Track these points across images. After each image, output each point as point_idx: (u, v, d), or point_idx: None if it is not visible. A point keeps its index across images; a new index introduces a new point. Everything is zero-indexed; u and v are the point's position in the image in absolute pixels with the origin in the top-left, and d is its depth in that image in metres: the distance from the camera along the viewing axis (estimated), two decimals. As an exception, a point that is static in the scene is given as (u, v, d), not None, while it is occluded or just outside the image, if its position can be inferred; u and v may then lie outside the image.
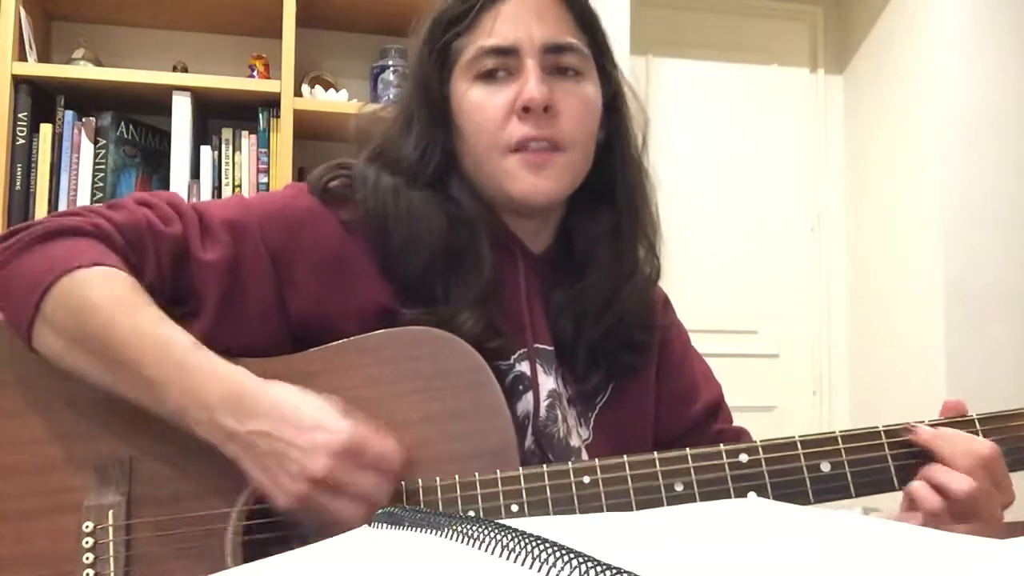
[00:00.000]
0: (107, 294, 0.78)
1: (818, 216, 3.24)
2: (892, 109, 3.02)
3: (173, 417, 0.76)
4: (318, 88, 2.37)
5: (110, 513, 0.78)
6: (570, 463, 0.80)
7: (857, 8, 3.21)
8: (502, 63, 0.89)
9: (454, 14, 0.91)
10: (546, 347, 0.93)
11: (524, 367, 0.91)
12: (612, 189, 0.96)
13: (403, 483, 0.78)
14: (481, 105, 0.90)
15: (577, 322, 0.94)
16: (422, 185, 0.90)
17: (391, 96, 2.33)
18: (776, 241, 3.20)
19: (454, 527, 0.40)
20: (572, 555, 0.34)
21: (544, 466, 0.80)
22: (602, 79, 0.94)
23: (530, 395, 0.90)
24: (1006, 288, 2.80)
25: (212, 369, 0.76)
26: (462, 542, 0.39)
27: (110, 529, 0.78)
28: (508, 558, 0.36)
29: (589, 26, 0.93)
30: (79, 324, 0.77)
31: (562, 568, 0.33)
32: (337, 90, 2.39)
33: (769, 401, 3.10)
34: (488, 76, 0.90)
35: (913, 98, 2.91)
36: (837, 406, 3.19)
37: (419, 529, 0.42)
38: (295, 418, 0.74)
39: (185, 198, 2.30)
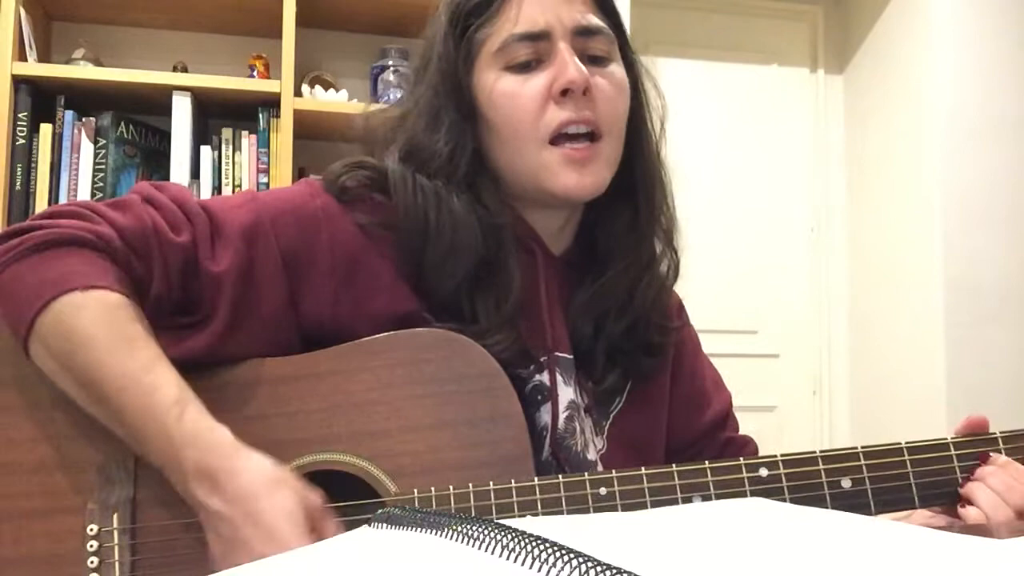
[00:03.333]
0: (100, 325, 0.74)
1: (818, 216, 3.24)
2: (892, 109, 3.02)
3: (157, 468, 0.75)
4: (318, 88, 2.37)
5: (115, 516, 0.77)
6: (586, 473, 0.78)
7: (857, 8, 3.21)
8: (534, 49, 0.86)
9: (475, 2, 0.88)
10: (565, 355, 0.91)
11: (544, 377, 0.89)
12: (632, 180, 0.93)
13: (416, 490, 0.77)
14: (514, 94, 0.86)
15: (598, 321, 0.92)
16: (457, 187, 0.87)
17: (391, 96, 2.33)
18: (776, 241, 3.19)
19: (454, 527, 0.40)
20: (572, 555, 0.33)
21: (560, 476, 0.78)
22: (624, 65, 0.92)
23: (549, 406, 0.88)
24: (1006, 288, 2.80)
25: (193, 434, 0.73)
26: (462, 542, 0.39)
27: (115, 532, 0.77)
28: (508, 558, 0.36)
29: (609, 9, 0.91)
30: (69, 353, 0.75)
31: (562, 568, 0.33)
32: (337, 90, 2.39)
33: (769, 401, 3.10)
34: (520, 66, 0.86)
35: (913, 98, 2.91)
36: (837, 406, 3.19)
37: (419, 529, 0.42)
38: (255, 518, 0.70)
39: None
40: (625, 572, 0.32)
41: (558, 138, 0.86)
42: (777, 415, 3.11)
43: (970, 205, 2.79)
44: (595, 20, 0.88)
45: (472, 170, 0.88)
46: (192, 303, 0.82)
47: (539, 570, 0.34)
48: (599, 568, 0.32)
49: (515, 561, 0.35)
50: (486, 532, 0.38)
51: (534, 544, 0.35)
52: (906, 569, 0.35)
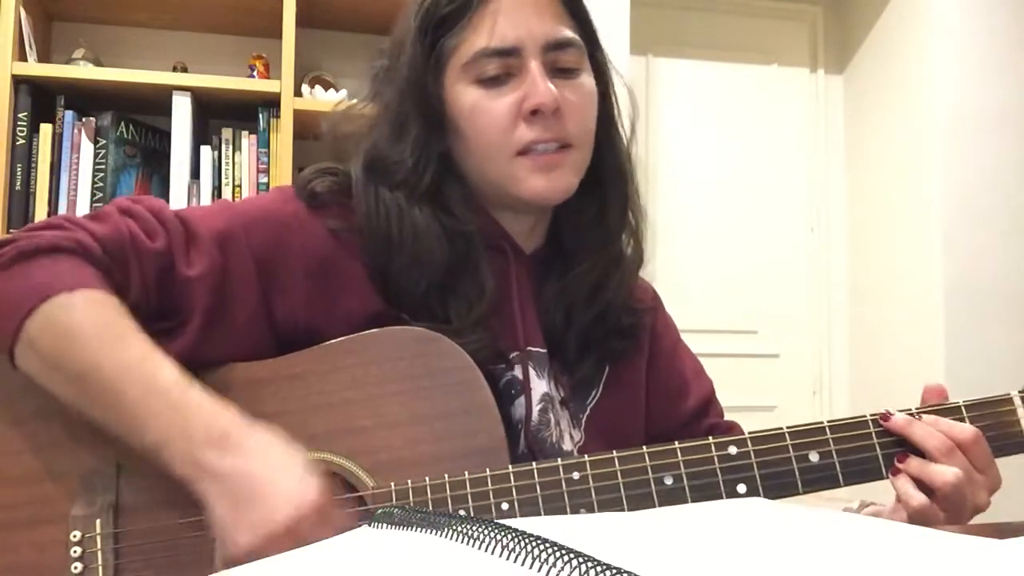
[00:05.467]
0: (91, 321, 0.76)
1: (818, 216, 3.24)
2: (892, 109, 3.02)
3: (147, 451, 0.75)
4: (318, 88, 2.37)
5: (97, 522, 0.77)
6: (559, 460, 0.80)
7: (857, 8, 3.21)
8: (504, 65, 0.86)
9: (445, 12, 0.88)
10: (539, 350, 0.92)
11: (517, 371, 0.90)
12: (601, 176, 0.94)
13: (392, 484, 0.78)
14: (485, 109, 0.87)
15: (567, 312, 0.94)
16: (420, 197, 0.88)
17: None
18: (776, 241, 3.19)
19: (454, 527, 0.40)
20: (572, 555, 0.34)
21: (534, 463, 0.79)
22: (593, 68, 0.93)
23: (523, 400, 0.90)
24: (1006, 288, 2.80)
25: (199, 405, 0.74)
26: (462, 542, 0.39)
27: (98, 538, 0.77)
28: (508, 558, 0.36)
29: (579, 15, 0.92)
30: (62, 351, 0.75)
31: (562, 568, 0.33)
32: (337, 90, 2.39)
33: (769, 401, 3.10)
34: (490, 80, 0.87)
35: (913, 98, 2.91)
36: (837, 406, 3.19)
37: (419, 529, 0.42)
38: (280, 464, 0.73)
39: (185, 198, 2.27)
40: (625, 572, 0.32)
41: (526, 151, 0.87)
42: (777, 415, 3.11)
43: (970, 205, 2.79)
44: (566, 33, 0.88)
45: (438, 177, 0.89)
46: (168, 309, 0.83)
47: (539, 570, 0.34)
48: (599, 568, 0.32)
49: (515, 561, 0.35)
50: (486, 532, 0.38)
51: (534, 544, 0.35)
52: (906, 569, 0.35)
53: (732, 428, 1.05)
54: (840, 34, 3.29)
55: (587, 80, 0.91)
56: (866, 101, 3.16)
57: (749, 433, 0.81)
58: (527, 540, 0.36)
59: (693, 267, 2.96)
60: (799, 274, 3.21)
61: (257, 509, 0.71)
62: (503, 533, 0.37)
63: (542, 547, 0.35)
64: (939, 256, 2.76)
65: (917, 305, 2.84)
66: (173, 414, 0.74)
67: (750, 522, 0.46)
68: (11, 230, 2.04)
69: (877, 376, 3.05)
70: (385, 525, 0.45)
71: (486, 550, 0.37)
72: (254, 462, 0.72)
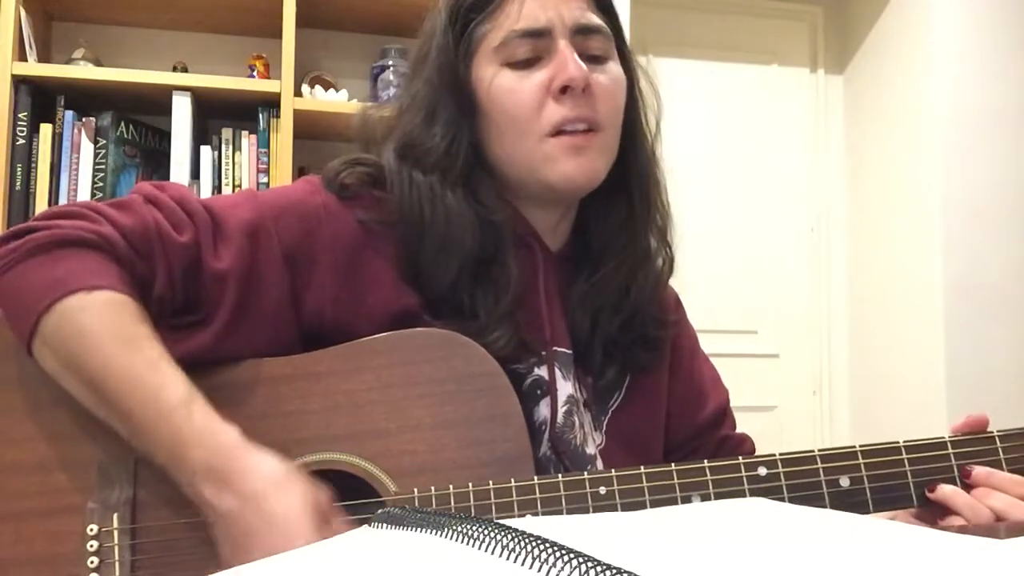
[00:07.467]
0: (104, 325, 0.74)
1: (818, 216, 3.24)
2: (892, 109, 3.01)
3: (161, 468, 0.75)
4: (318, 88, 2.37)
5: (115, 516, 0.77)
6: (586, 473, 0.79)
7: (857, 8, 3.21)
8: (534, 47, 0.86)
9: None
10: (564, 350, 0.92)
11: (543, 371, 0.89)
12: (626, 177, 0.94)
13: (416, 490, 0.77)
14: (514, 90, 0.87)
15: (595, 315, 0.93)
16: (453, 182, 0.87)
17: (391, 96, 2.33)
18: (776, 241, 3.19)
19: (454, 527, 0.40)
20: (572, 555, 0.33)
21: (559, 475, 0.78)
22: (621, 62, 0.93)
23: (548, 400, 0.89)
24: (1006, 288, 2.80)
25: (200, 432, 0.73)
26: (462, 542, 0.39)
27: (115, 532, 0.77)
28: (508, 558, 0.36)
29: (607, 8, 0.92)
30: (74, 354, 0.75)
31: (562, 568, 0.33)
32: (337, 90, 2.39)
33: (769, 401, 3.10)
34: (520, 62, 0.87)
35: (913, 98, 2.91)
36: (837, 406, 3.19)
37: (419, 529, 0.42)
38: (266, 517, 0.71)
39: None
40: (625, 572, 0.32)
41: (556, 133, 0.87)
42: (777, 415, 3.11)
43: (970, 205, 2.79)
44: (594, 19, 0.89)
45: (469, 165, 0.88)
46: (194, 302, 0.82)
47: (539, 570, 0.34)
48: (599, 568, 0.32)
49: (515, 561, 0.35)
50: (486, 532, 0.38)
51: (534, 544, 0.35)
52: (906, 569, 0.35)
53: (744, 441, 1.04)
54: (840, 34, 3.29)
55: (615, 67, 0.91)
56: (866, 101, 3.16)
57: (780, 454, 0.80)
58: (527, 540, 0.36)
59: (693, 267, 2.95)
60: (799, 274, 3.21)
61: (252, 557, 0.70)
62: (503, 533, 0.37)
63: (542, 547, 0.35)
64: (939, 256, 2.76)
65: (917, 305, 2.84)
66: (174, 440, 0.73)
67: (750, 522, 0.46)
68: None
69: (877, 376, 3.05)
70: (385, 525, 0.45)
71: (486, 550, 0.37)
72: (248, 507, 0.71)
